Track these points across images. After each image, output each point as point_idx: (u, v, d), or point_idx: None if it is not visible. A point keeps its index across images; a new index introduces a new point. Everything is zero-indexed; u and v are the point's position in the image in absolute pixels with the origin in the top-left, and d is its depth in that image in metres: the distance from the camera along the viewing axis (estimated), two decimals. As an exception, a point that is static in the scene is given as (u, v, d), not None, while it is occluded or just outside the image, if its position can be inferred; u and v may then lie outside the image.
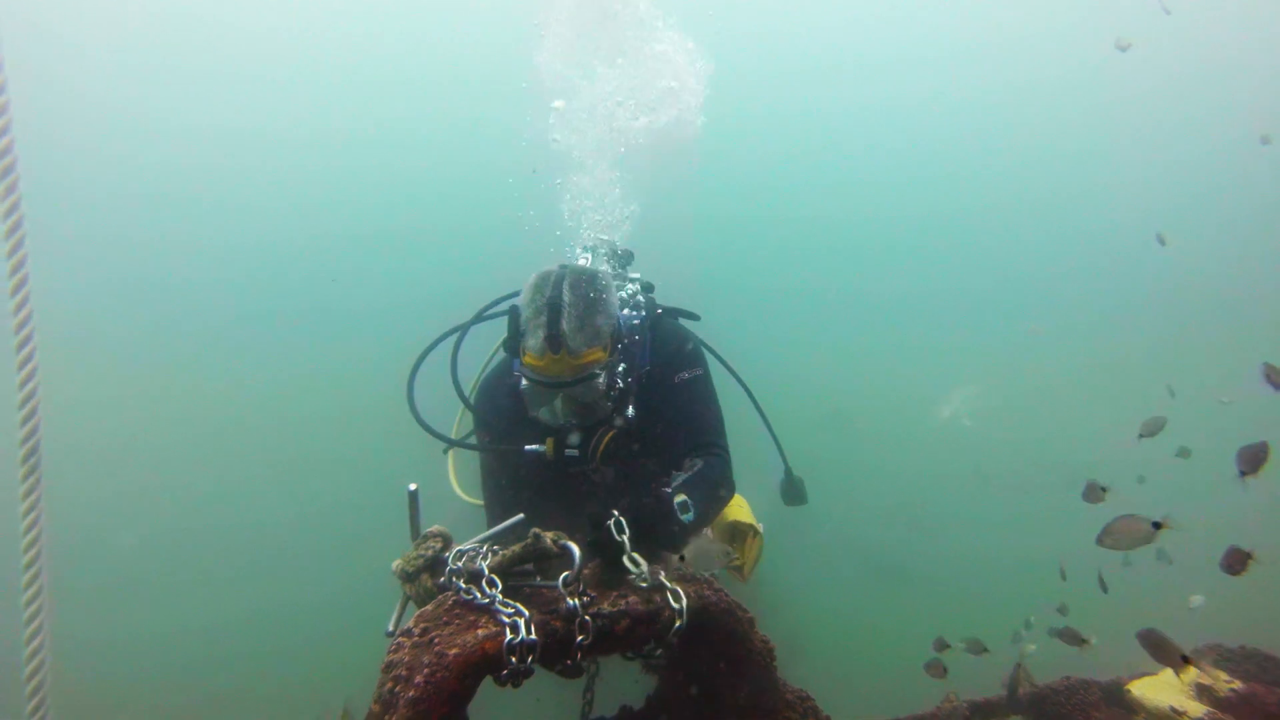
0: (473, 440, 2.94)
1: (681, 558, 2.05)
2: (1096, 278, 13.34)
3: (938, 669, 3.00)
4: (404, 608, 1.96)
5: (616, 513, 1.99)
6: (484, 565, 1.80)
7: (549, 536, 1.83)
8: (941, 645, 2.95)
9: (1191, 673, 3.13)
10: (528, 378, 2.44)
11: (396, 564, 1.97)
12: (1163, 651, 2.48)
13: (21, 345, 2.24)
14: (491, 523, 2.80)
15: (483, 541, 1.97)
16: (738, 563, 2.99)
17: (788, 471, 3.60)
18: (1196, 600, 4.31)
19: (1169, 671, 3.18)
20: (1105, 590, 3.93)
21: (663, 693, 2.26)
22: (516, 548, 1.83)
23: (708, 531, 3.18)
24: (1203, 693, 3.00)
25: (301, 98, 12.00)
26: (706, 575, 2.05)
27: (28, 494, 2.16)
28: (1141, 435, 3.72)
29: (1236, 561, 2.47)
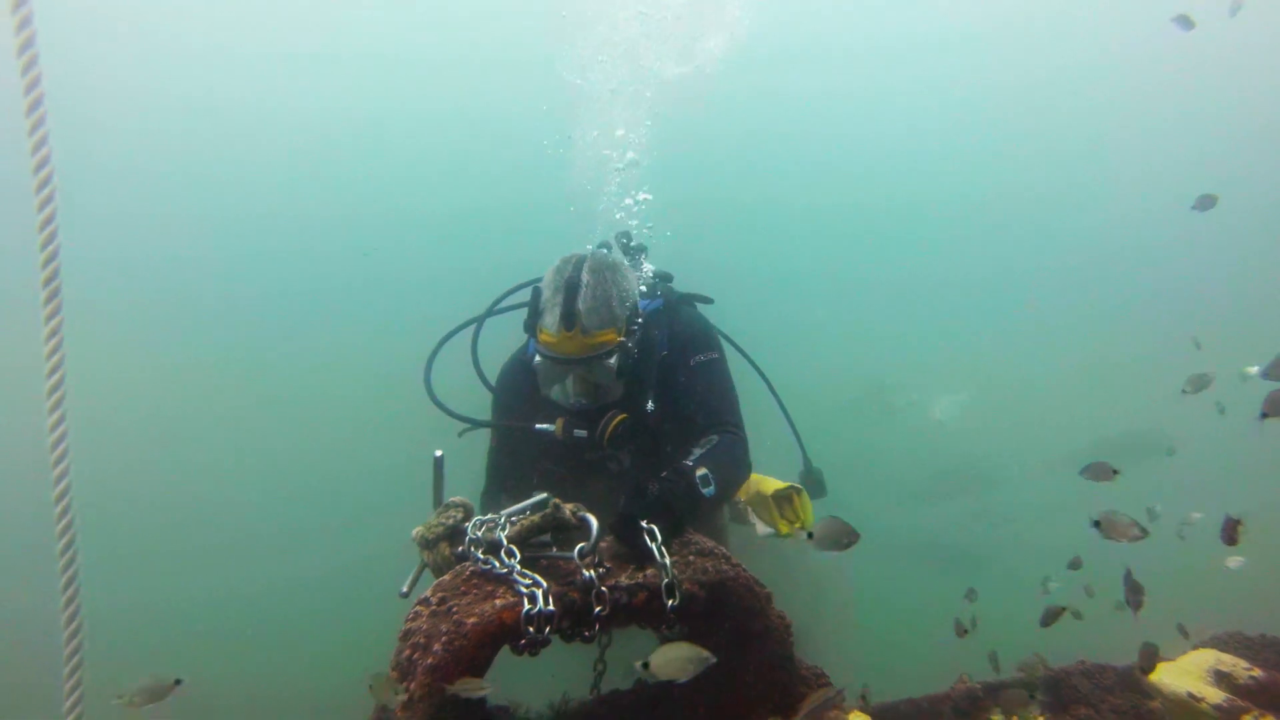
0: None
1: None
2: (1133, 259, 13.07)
3: (960, 630, 2.91)
4: (420, 573, 1.98)
5: (637, 496, 2.01)
6: (503, 535, 1.80)
7: (569, 508, 1.82)
8: (972, 595, 2.88)
9: (1210, 659, 3.11)
10: (541, 354, 2.48)
11: (417, 531, 1.98)
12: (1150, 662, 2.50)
13: (50, 318, 2.28)
14: (487, 489, 2.88)
15: (504, 515, 1.97)
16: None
17: (806, 463, 3.60)
18: (1235, 561, 4.23)
19: (1187, 658, 3.16)
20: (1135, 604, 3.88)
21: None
22: (535, 518, 1.83)
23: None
24: (1221, 679, 2.97)
25: (328, 77, 11.91)
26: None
27: (59, 479, 2.21)
28: (1185, 391, 3.67)
29: (1230, 530, 2.43)
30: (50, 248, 2.14)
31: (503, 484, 2.83)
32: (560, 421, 2.52)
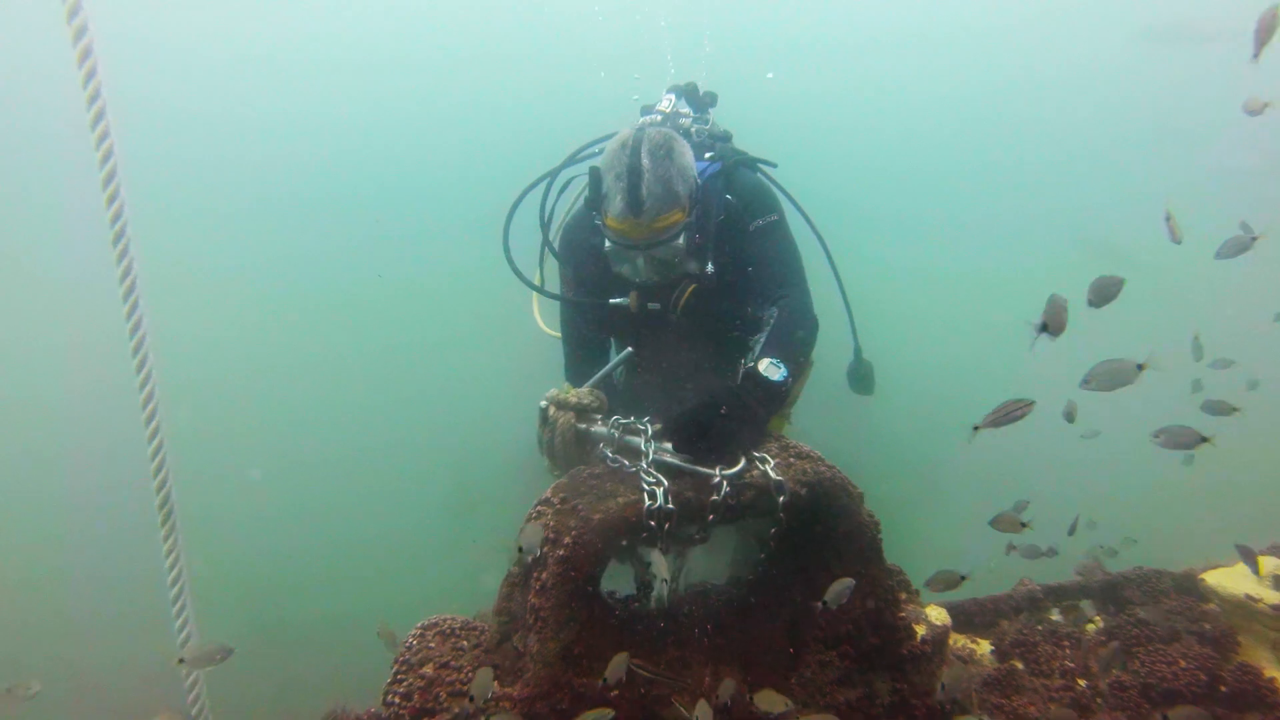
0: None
1: None
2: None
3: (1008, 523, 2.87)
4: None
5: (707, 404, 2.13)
6: (648, 427, 1.93)
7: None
8: (1021, 506, 2.92)
9: (1270, 564, 3.20)
10: (610, 240, 2.53)
11: (553, 392, 2.14)
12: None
13: (124, 278, 2.36)
14: (570, 361, 3.03)
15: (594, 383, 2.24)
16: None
17: (857, 353, 3.52)
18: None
19: (1243, 564, 3.26)
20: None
21: (769, 565, 2.42)
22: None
23: None
24: (1279, 583, 3.07)
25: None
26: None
27: (151, 436, 2.34)
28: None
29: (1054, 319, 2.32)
30: (115, 205, 2.23)
31: (579, 350, 2.96)
32: (633, 295, 2.59)
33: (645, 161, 2.42)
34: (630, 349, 2.39)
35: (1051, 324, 2.01)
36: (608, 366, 2.43)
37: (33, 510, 7.24)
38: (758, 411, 2.24)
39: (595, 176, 2.50)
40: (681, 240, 2.51)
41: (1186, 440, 2.71)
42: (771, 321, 2.55)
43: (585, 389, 2.31)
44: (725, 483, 1.91)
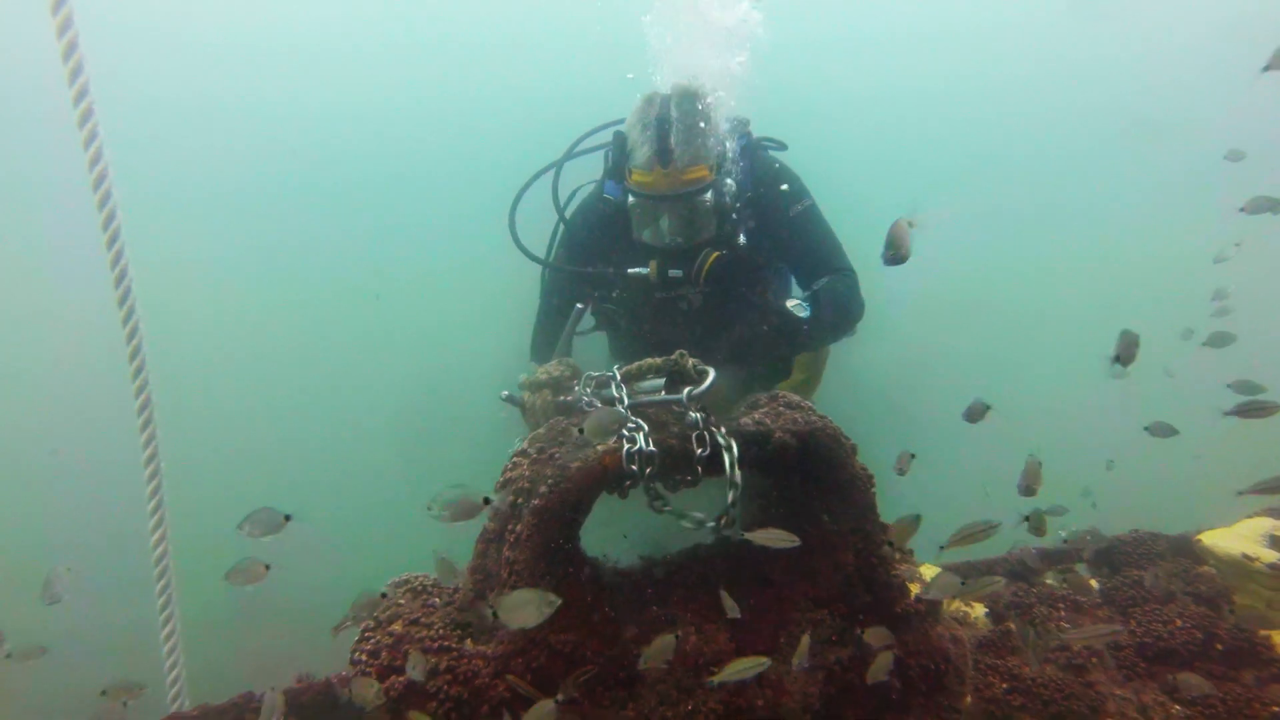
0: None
1: None
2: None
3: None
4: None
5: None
6: (617, 371, 1.82)
7: (692, 361, 1.85)
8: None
9: (1266, 525, 3.16)
10: (635, 194, 2.46)
11: (525, 377, 2.04)
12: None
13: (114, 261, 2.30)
14: (540, 328, 2.95)
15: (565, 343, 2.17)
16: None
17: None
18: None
19: (1243, 524, 3.21)
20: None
21: (757, 521, 2.33)
22: (656, 360, 1.85)
23: None
24: (1276, 543, 3.03)
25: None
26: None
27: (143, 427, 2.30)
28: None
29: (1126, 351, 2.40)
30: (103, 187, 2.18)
31: (557, 318, 2.85)
32: (654, 264, 2.51)
33: (674, 113, 2.40)
34: (580, 305, 2.33)
35: (1124, 356, 2.21)
36: (567, 329, 2.36)
37: (15, 480, 7.13)
38: (765, 329, 2.24)
39: (619, 138, 2.49)
40: (709, 196, 2.45)
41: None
42: (820, 284, 2.56)
43: (554, 363, 2.24)
44: (699, 409, 1.82)
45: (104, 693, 2.07)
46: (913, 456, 2.14)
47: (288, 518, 1.73)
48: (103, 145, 2.26)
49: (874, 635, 1.84)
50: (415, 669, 1.60)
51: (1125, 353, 2.19)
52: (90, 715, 2.08)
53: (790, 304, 2.28)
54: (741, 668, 1.73)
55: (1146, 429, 3.01)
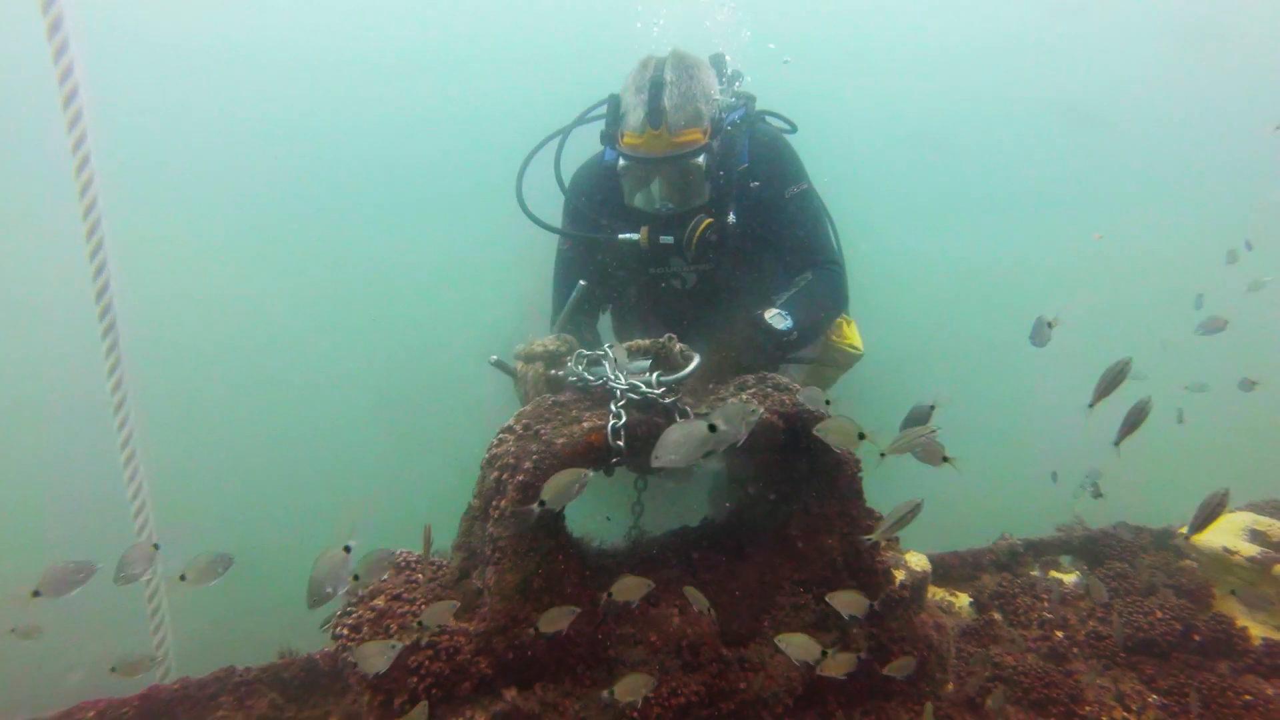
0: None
1: None
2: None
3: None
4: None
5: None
6: (609, 350, 1.82)
7: (678, 347, 1.84)
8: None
9: (1247, 519, 3.18)
10: (626, 157, 2.42)
11: (520, 347, 2.03)
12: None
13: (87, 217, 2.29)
14: (557, 308, 2.89)
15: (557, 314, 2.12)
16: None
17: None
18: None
19: (1224, 519, 3.23)
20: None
21: (743, 503, 2.33)
22: (645, 342, 1.84)
23: None
24: (1256, 537, 3.05)
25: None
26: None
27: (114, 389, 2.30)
28: None
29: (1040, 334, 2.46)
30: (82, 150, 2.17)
31: (568, 294, 2.86)
32: (644, 230, 2.48)
33: (669, 75, 2.36)
34: (583, 283, 2.29)
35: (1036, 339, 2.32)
36: (568, 305, 2.34)
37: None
38: (756, 353, 2.18)
39: (613, 101, 2.44)
40: (701, 160, 2.41)
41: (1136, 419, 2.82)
42: (801, 283, 2.51)
43: (551, 337, 2.23)
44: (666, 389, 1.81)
45: (114, 669, 2.05)
46: (932, 408, 2.09)
47: (230, 561, 1.71)
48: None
49: (844, 601, 1.81)
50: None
51: (1038, 336, 2.28)
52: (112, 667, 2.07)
53: (769, 314, 2.23)
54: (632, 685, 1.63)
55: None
